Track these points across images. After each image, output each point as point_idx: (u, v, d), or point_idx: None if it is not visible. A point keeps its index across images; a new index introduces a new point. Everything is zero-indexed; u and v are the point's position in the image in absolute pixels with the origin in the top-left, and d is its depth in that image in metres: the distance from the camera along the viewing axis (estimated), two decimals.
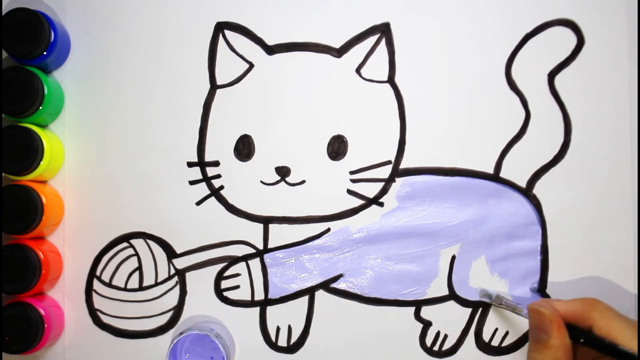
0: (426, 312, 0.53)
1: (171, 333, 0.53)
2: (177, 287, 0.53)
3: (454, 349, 0.53)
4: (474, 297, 0.53)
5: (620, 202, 0.53)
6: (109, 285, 0.53)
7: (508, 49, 0.53)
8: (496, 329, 0.53)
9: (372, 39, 0.53)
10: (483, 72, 0.53)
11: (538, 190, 0.53)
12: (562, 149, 0.53)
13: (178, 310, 0.53)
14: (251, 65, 0.53)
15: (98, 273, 0.53)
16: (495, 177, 0.53)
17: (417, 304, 0.53)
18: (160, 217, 0.53)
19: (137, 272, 0.53)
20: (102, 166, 0.53)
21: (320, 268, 0.53)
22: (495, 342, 0.53)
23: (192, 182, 0.53)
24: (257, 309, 0.53)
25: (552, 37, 0.53)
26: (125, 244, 0.53)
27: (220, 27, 0.53)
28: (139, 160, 0.53)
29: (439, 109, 0.53)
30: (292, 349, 0.53)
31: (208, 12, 0.53)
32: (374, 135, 0.53)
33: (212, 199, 0.53)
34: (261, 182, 0.53)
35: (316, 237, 0.53)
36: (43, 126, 0.53)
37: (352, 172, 0.53)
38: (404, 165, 0.53)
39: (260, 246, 0.53)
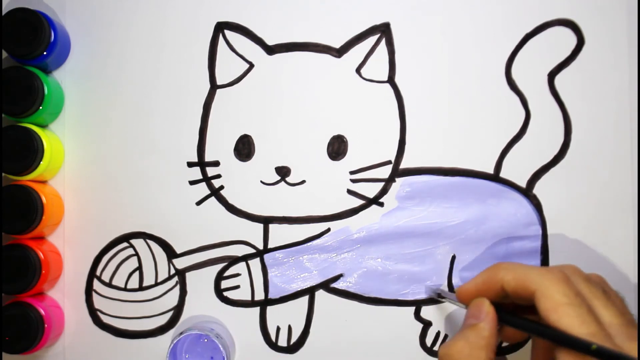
0: (426, 312, 0.53)
1: (171, 333, 0.53)
2: (177, 287, 0.53)
3: None
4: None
5: (620, 202, 0.53)
6: (109, 285, 0.53)
7: (508, 49, 0.53)
8: None
9: (372, 39, 0.53)
10: (483, 72, 0.53)
11: (538, 190, 0.53)
12: (562, 149, 0.53)
13: (178, 310, 0.53)
14: (251, 65, 0.53)
15: (98, 273, 0.53)
16: (495, 177, 0.53)
17: (417, 304, 0.53)
18: (160, 217, 0.53)
19: (137, 272, 0.53)
20: (102, 166, 0.53)
21: (320, 268, 0.53)
22: None
23: (192, 182, 0.53)
24: (257, 309, 0.53)
25: (552, 37, 0.53)
26: (125, 244, 0.53)
27: (220, 27, 0.53)
28: (139, 160, 0.53)
29: (439, 109, 0.53)
30: (292, 349, 0.53)
31: (208, 12, 0.53)
32: (374, 135, 0.53)
33: (212, 199, 0.53)
34: (261, 182, 0.53)
35: (316, 237, 0.53)
36: (43, 126, 0.53)
37: (352, 172, 0.53)
38: (404, 165, 0.53)
39: (260, 246, 0.53)
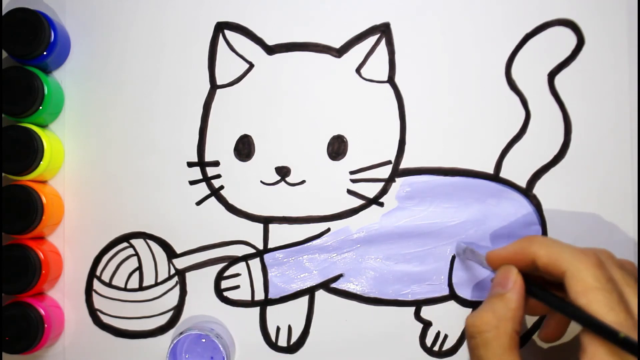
0: (426, 312, 0.53)
1: (171, 333, 0.53)
2: (177, 287, 0.53)
3: (454, 349, 0.53)
4: (473, 297, 0.53)
5: (620, 202, 0.53)
6: (109, 285, 0.53)
7: (508, 49, 0.53)
8: None
9: (372, 39, 0.53)
10: (483, 72, 0.53)
11: (538, 190, 0.53)
12: (562, 149, 0.53)
13: (178, 310, 0.53)
14: (251, 65, 0.53)
15: (98, 273, 0.53)
16: (495, 177, 0.53)
17: (417, 304, 0.53)
18: (160, 217, 0.53)
19: (137, 272, 0.53)
20: (102, 166, 0.53)
21: (320, 268, 0.53)
22: None
23: (192, 182, 0.53)
24: (257, 309, 0.53)
25: (552, 37, 0.53)
26: (125, 244, 0.53)
27: (220, 27, 0.53)
28: (139, 160, 0.53)
29: (439, 109, 0.53)
30: (292, 349, 0.53)
31: (208, 12, 0.53)
32: (374, 135, 0.53)
33: (212, 199, 0.53)
34: (261, 182, 0.53)
35: (316, 237, 0.53)
36: (43, 126, 0.53)
37: (352, 172, 0.53)
38: (404, 165, 0.53)
39: (260, 246, 0.53)
